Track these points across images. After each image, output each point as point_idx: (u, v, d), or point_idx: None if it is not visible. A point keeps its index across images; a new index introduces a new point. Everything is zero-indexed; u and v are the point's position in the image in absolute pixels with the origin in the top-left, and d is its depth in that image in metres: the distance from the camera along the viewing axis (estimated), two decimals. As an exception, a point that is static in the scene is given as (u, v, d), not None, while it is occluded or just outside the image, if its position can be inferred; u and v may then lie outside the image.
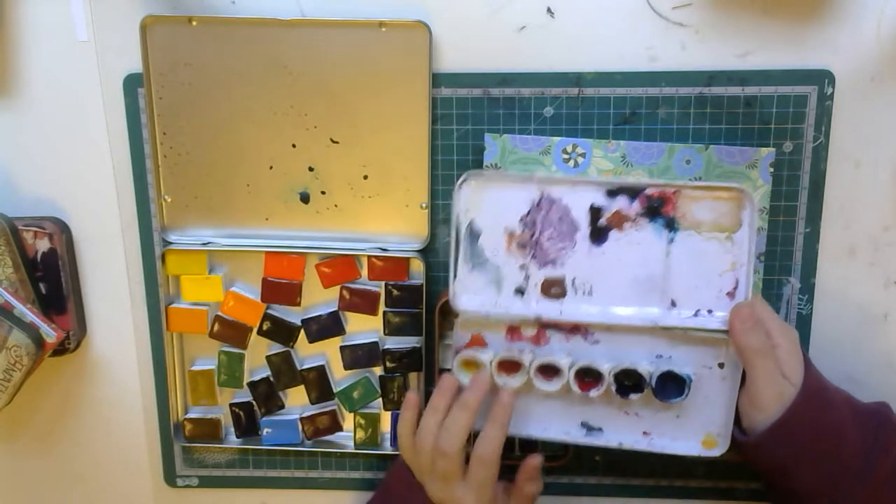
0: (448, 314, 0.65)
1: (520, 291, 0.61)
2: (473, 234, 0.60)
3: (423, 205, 0.65)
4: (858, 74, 0.62)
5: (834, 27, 0.61)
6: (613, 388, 0.60)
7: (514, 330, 0.62)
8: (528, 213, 0.60)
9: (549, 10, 0.62)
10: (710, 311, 0.60)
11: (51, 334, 0.64)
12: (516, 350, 0.61)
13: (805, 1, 0.61)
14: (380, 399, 0.69)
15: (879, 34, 0.61)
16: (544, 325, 0.61)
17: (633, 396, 0.60)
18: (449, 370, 0.63)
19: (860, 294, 0.66)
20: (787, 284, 0.66)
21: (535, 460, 0.64)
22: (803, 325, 0.66)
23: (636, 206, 0.59)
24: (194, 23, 0.62)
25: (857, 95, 0.62)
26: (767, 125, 0.63)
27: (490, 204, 0.60)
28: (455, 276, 0.60)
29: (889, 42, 0.61)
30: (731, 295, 0.59)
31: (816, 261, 0.65)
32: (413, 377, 0.69)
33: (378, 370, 0.69)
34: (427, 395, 0.68)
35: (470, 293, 0.61)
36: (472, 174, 0.59)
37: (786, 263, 0.65)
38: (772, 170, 0.63)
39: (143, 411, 0.72)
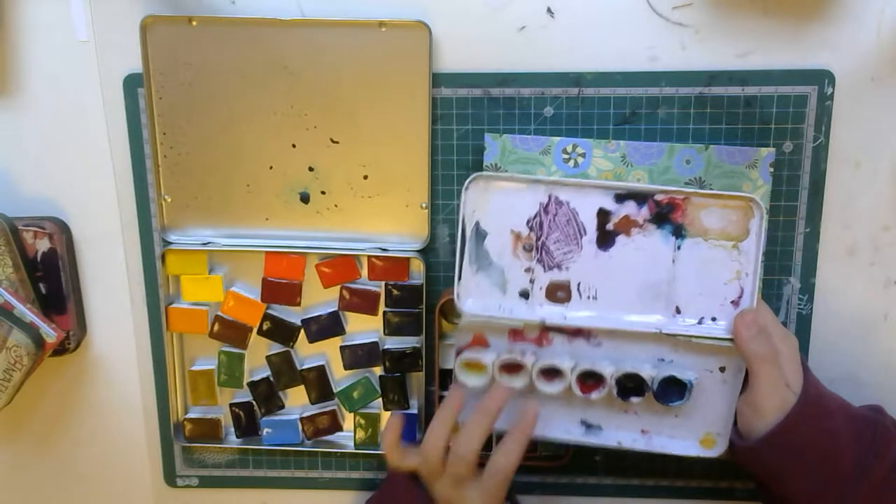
0: (448, 314, 0.65)
1: (524, 295, 0.61)
2: (479, 236, 0.60)
3: (423, 205, 0.65)
4: (858, 74, 0.62)
5: (834, 27, 0.61)
6: (615, 391, 0.60)
7: (516, 331, 0.62)
8: (536, 215, 0.60)
9: (549, 10, 0.62)
10: (713, 319, 0.60)
11: (51, 334, 0.64)
12: (518, 351, 0.61)
13: (805, 1, 0.61)
14: (380, 399, 0.69)
15: (879, 34, 0.61)
16: (547, 328, 0.61)
17: (634, 400, 0.60)
18: (449, 371, 0.63)
19: (860, 294, 0.66)
20: (787, 284, 0.66)
21: None
22: (803, 325, 0.66)
23: (644, 212, 0.59)
24: (194, 23, 0.62)
25: (857, 95, 0.62)
26: (767, 125, 0.63)
27: (497, 205, 0.59)
28: (460, 277, 0.60)
29: (889, 42, 0.61)
30: (735, 304, 0.59)
31: (816, 261, 0.65)
32: (413, 377, 0.69)
33: (378, 370, 0.69)
34: (428, 395, 0.68)
35: (474, 295, 0.61)
36: (480, 175, 0.58)
37: (786, 263, 0.65)
38: (772, 170, 0.62)
39: (143, 411, 0.72)
